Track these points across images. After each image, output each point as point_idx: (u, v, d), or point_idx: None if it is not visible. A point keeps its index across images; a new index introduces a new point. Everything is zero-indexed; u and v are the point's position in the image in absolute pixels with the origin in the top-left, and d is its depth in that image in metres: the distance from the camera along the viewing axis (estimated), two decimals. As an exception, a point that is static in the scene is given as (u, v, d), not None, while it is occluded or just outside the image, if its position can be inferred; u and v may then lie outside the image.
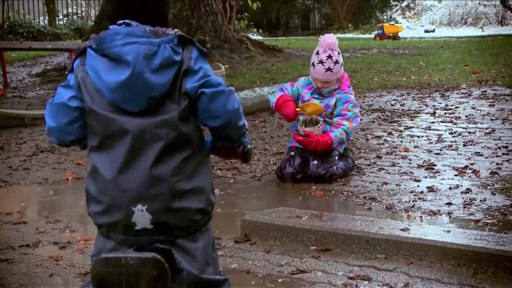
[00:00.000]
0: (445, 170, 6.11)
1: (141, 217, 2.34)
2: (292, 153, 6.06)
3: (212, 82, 2.42)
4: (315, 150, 5.94)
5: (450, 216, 4.85)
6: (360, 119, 6.60)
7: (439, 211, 4.94)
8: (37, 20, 24.13)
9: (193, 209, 2.40)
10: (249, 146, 2.60)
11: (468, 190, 5.43)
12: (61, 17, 26.30)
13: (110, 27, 2.46)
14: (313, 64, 6.06)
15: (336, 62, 5.99)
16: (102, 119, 2.38)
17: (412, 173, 6.08)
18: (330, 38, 6.07)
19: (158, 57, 2.36)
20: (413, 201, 5.24)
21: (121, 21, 2.46)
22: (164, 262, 2.27)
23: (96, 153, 2.42)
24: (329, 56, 5.97)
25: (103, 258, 2.29)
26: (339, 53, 6.04)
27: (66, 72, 2.50)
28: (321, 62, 5.98)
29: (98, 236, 2.48)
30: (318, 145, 5.92)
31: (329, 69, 5.97)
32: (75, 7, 28.09)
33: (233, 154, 2.64)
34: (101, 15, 16.03)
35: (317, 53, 6.03)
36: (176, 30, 2.44)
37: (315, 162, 5.96)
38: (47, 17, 24.34)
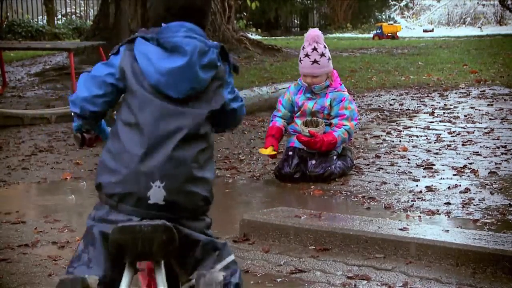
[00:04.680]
0: (443, 170, 6.11)
1: (157, 192, 2.56)
2: (290, 153, 6.06)
3: (238, 95, 2.77)
4: (320, 150, 5.93)
5: (448, 216, 4.85)
6: (359, 118, 6.61)
7: (438, 211, 4.95)
8: (36, 20, 24.12)
9: (201, 196, 2.63)
10: None
11: (466, 190, 5.43)
12: (59, 16, 26.29)
13: (164, 24, 2.70)
14: (300, 60, 6.07)
15: (322, 54, 5.97)
16: (142, 99, 2.61)
17: (411, 172, 6.08)
18: (314, 31, 6.10)
19: (208, 56, 2.64)
20: (411, 201, 5.24)
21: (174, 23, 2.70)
22: (173, 228, 2.50)
23: (128, 129, 2.62)
24: (314, 49, 5.97)
25: (120, 227, 2.50)
26: (325, 47, 6.03)
27: (110, 54, 2.73)
28: (306, 55, 5.99)
29: (101, 206, 2.64)
30: (323, 145, 5.90)
31: (315, 61, 5.95)
32: (73, 7, 28.09)
33: None
34: (99, 15, 16.02)
35: (303, 47, 6.05)
36: (217, 42, 2.72)
37: (313, 161, 5.96)
38: (45, 17, 24.33)
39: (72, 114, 2.75)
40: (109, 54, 2.75)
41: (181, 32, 2.64)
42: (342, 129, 5.96)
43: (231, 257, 2.77)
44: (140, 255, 2.54)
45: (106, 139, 2.80)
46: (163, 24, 2.70)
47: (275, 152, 6.08)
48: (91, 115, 2.71)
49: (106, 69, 2.69)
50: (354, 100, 6.22)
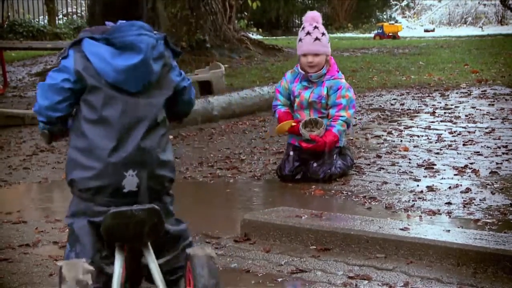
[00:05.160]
0: (444, 170, 6.10)
1: (131, 181, 2.76)
2: (291, 153, 6.05)
3: (184, 76, 2.97)
4: (325, 150, 5.94)
5: (449, 216, 4.85)
6: (356, 111, 6.59)
7: (439, 211, 4.94)
8: (37, 20, 24.13)
9: (167, 177, 2.87)
10: None
11: (467, 190, 5.43)
12: (60, 16, 26.30)
13: (107, 23, 2.89)
14: (300, 40, 6.01)
15: (323, 34, 5.96)
16: (105, 95, 2.77)
17: (411, 172, 6.08)
18: (313, 13, 6.11)
19: (157, 49, 2.84)
20: (412, 201, 5.24)
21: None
22: (160, 211, 2.73)
23: (92, 126, 2.79)
24: (315, 27, 5.96)
25: (113, 213, 2.68)
26: (324, 27, 6.04)
27: (60, 58, 2.87)
28: (308, 33, 5.95)
29: (76, 201, 2.89)
30: (327, 146, 5.91)
31: (317, 39, 5.92)
32: (74, 7, 28.09)
33: None
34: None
35: (303, 28, 6.03)
36: (162, 34, 2.93)
37: (315, 164, 5.95)
38: (46, 17, 24.32)
39: (39, 122, 2.96)
40: (59, 57, 2.90)
41: (133, 31, 2.80)
42: (340, 121, 5.94)
43: (189, 239, 2.97)
44: (131, 239, 2.73)
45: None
46: (108, 23, 2.87)
47: (292, 122, 6.00)
48: (58, 120, 2.90)
49: (60, 75, 2.82)
50: (350, 87, 6.12)
